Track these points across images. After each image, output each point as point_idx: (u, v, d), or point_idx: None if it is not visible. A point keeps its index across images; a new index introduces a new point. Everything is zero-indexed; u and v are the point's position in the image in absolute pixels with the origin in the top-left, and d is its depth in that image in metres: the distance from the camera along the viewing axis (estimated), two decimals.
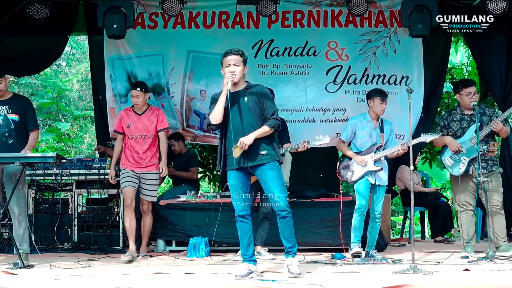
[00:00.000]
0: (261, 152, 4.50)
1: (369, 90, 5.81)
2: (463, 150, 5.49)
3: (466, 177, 5.56)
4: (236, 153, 4.46)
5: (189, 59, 7.19)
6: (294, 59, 7.15)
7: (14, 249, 5.05)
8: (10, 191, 5.08)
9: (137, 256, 5.71)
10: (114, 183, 6.05)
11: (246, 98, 4.54)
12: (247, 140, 4.42)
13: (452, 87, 9.20)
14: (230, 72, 4.51)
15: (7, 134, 5.35)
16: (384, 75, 7.15)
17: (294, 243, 4.51)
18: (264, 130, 4.51)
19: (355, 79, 7.16)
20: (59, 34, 7.31)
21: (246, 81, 4.67)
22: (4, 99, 5.45)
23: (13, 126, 5.37)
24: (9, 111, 5.40)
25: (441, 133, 5.59)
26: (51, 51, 7.50)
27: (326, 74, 7.16)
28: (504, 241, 5.47)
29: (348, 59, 7.16)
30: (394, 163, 7.26)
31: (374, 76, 7.15)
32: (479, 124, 5.35)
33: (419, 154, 8.22)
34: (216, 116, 4.51)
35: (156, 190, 5.99)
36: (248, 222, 4.53)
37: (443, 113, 5.59)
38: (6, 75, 5.50)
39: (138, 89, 5.83)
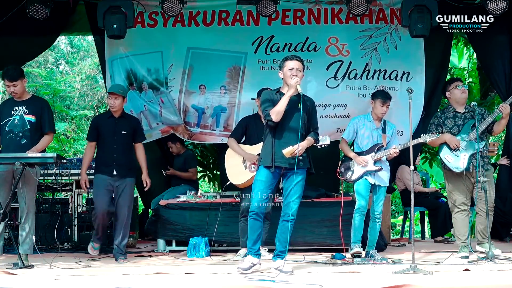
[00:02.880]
0: (301, 158, 4.67)
1: (374, 91, 5.84)
2: (462, 147, 5.46)
3: (463, 176, 5.49)
4: (287, 154, 4.60)
5: (189, 56, 7.16)
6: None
7: (16, 249, 5.05)
8: (24, 191, 5.07)
9: None
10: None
11: (301, 105, 4.68)
12: (301, 148, 4.62)
13: None
14: (293, 75, 4.66)
15: (21, 134, 5.36)
16: (385, 71, 7.12)
17: (286, 248, 4.69)
18: (311, 141, 4.82)
19: (356, 74, 7.12)
20: (45, 35, 7.15)
21: None
22: (22, 99, 5.47)
23: (28, 127, 5.38)
24: (26, 111, 5.41)
25: (438, 132, 5.56)
26: (28, 52, 7.26)
27: (327, 69, 7.13)
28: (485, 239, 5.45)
29: (349, 54, 7.12)
30: (394, 163, 7.25)
31: (375, 72, 7.11)
32: (474, 121, 5.36)
33: (419, 154, 8.20)
34: (279, 113, 4.62)
35: None
36: (260, 220, 4.64)
37: (437, 112, 5.59)
38: (24, 78, 5.51)
39: None
